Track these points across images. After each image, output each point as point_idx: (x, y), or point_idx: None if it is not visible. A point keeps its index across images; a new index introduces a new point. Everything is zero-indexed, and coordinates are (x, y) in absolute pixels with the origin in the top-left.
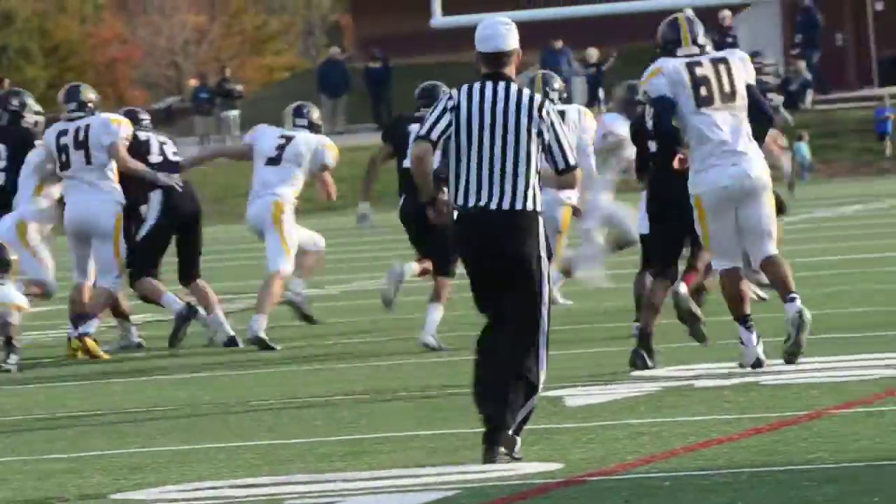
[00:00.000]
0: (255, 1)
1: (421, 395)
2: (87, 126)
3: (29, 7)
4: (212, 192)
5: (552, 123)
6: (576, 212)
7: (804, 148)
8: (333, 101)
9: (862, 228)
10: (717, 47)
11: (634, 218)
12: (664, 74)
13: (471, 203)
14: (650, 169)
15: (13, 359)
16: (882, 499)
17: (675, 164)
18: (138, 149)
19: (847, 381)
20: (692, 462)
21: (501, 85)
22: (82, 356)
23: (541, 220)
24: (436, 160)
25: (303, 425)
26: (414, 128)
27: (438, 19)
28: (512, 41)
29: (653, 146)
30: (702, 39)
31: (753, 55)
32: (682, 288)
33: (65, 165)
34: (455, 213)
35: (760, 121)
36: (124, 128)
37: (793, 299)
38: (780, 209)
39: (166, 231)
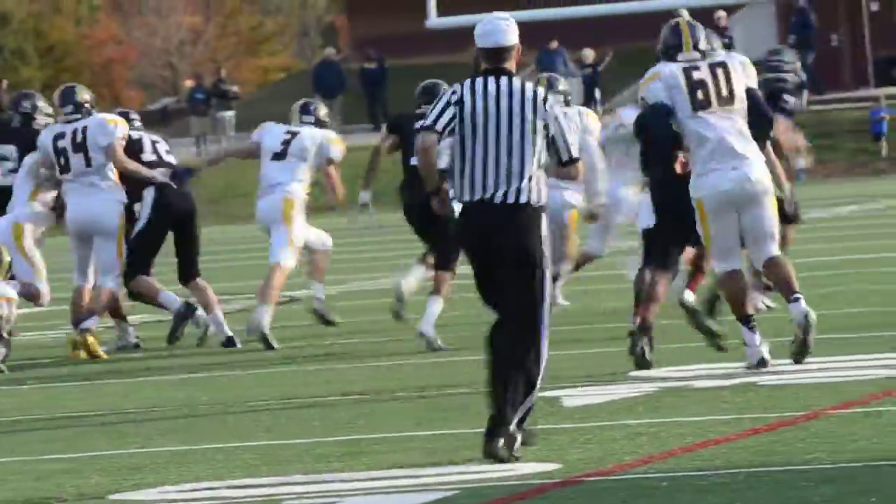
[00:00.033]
0: (251, 1)
1: (419, 396)
2: (84, 128)
3: (24, 8)
4: (209, 193)
5: (555, 116)
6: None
7: None
8: (329, 101)
9: (857, 229)
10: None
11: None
12: (661, 79)
13: (474, 196)
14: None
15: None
16: (879, 499)
17: (677, 167)
18: (131, 147)
19: (844, 381)
20: (690, 462)
21: (504, 80)
22: (84, 355)
23: (543, 214)
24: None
25: (301, 426)
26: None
27: (434, 20)
28: (512, 37)
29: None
30: (703, 45)
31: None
32: (689, 296)
33: (64, 169)
34: (457, 206)
35: (760, 124)
36: (121, 128)
37: (797, 300)
38: (794, 218)
39: (160, 229)
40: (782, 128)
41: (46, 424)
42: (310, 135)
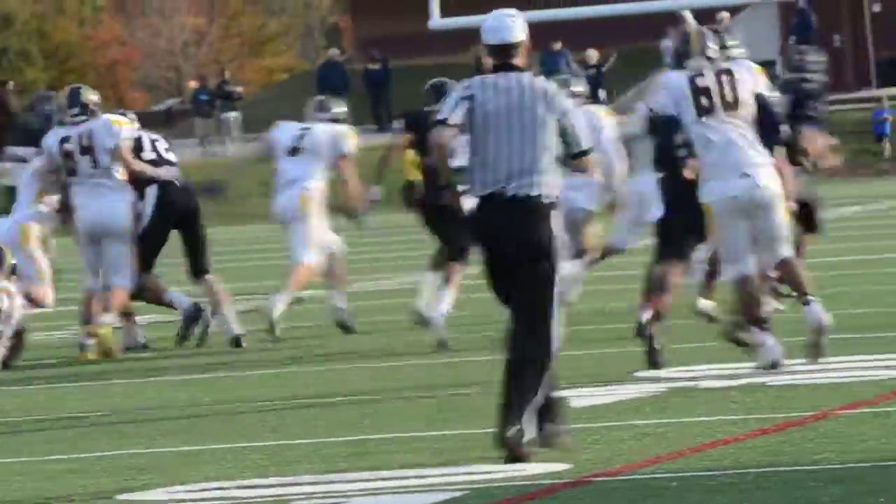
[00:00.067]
0: (254, 2)
1: (427, 396)
2: (90, 130)
3: (28, 9)
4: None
5: (566, 109)
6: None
7: None
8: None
9: (861, 230)
10: None
11: None
12: (667, 89)
13: (486, 190)
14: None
15: None
16: (888, 499)
17: (688, 173)
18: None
19: (852, 381)
20: (698, 463)
21: (513, 75)
22: (92, 355)
23: (556, 208)
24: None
25: (307, 426)
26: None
27: (436, 21)
28: (518, 33)
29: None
30: (712, 52)
31: (798, 52)
32: (703, 304)
33: (72, 171)
34: (468, 200)
35: (770, 133)
36: (126, 129)
37: (811, 303)
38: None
39: (163, 227)
40: (810, 137)
41: (52, 425)
42: (323, 130)
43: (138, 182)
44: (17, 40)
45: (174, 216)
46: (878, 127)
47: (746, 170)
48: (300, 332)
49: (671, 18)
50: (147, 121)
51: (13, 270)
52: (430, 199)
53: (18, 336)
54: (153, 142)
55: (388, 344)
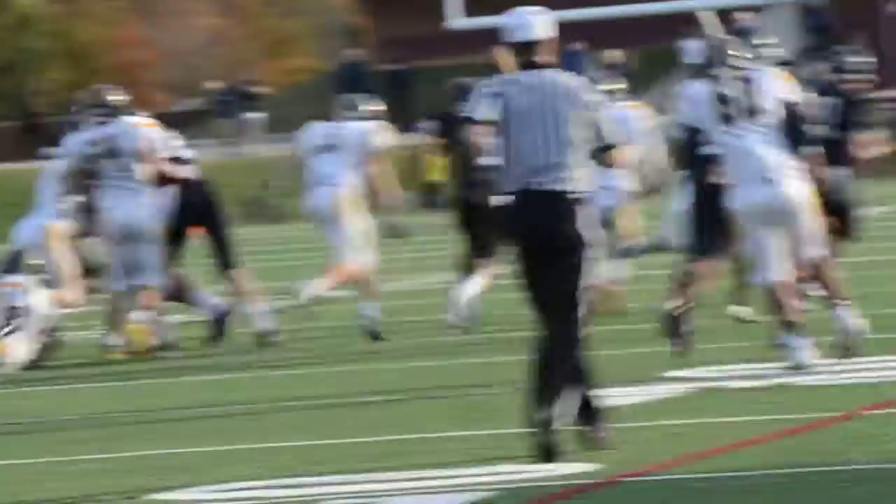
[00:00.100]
0: (275, 3)
1: (455, 396)
2: (114, 133)
3: (49, 9)
4: (238, 193)
5: (593, 104)
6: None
7: None
8: None
9: (887, 230)
10: None
11: None
12: (689, 99)
13: (516, 187)
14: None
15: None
16: None
17: (714, 178)
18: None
19: (880, 382)
20: (727, 463)
21: (540, 72)
22: (120, 355)
23: (586, 203)
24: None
25: (335, 426)
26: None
27: (453, 21)
28: (541, 30)
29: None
30: (737, 61)
31: (836, 52)
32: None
33: (97, 174)
34: (499, 197)
35: (797, 136)
36: (148, 130)
37: (840, 307)
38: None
39: (181, 224)
40: (862, 142)
41: (83, 425)
42: (352, 127)
43: (161, 181)
44: (39, 41)
45: (192, 213)
46: None
47: (770, 176)
48: (327, 332)
49: (691, 19)
50: (168, 121)
51: (38, 270)
52: (463, 198)
53: (51, 336)
54: (170, 140)
55: (415, 344)
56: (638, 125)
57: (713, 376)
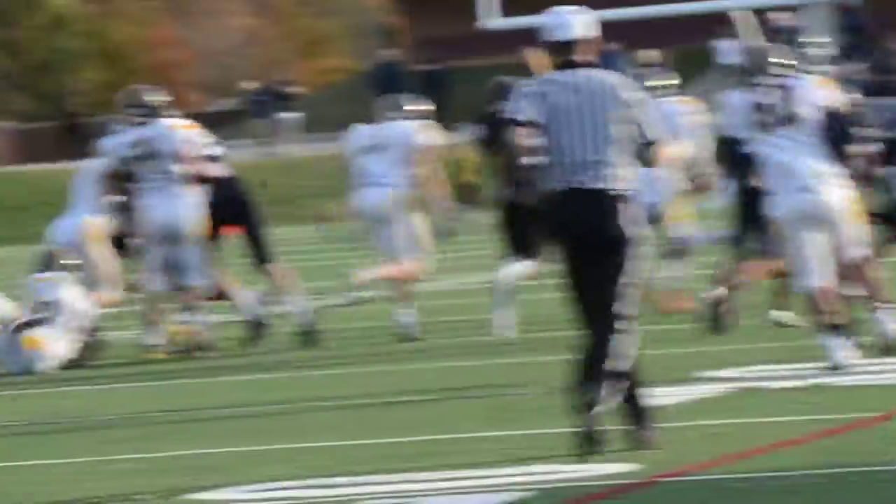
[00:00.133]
0: (309, 3)
1: (490, 396)
2: (152, 134)
3: (83, 10)
4: (275, 193)
5: (634, 101)
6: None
7: None
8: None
9: None
10: None
11: None
12: (728, 108)
13: (559, 185)
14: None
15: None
16: None
17: (754, 182)
18: None
19: None
20: (766, 463)
21: (579, 71)
22: (163, 355)
23: (629, 201)
24: None
25: (371, 426)
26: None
27: (490, 20)
28: (580, 29)
29: None
30: (778, 69)
31: (884, 53)
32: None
33: (135, 176)
34: (541, 196)
35: (837, 142)
36: (185, 131)
37: (879, 310)
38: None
39: (216, 222)
40: None
41: (120, 424)
42: (396, 126)
43: (198, 181)
44: (73, 41)
45: (224, 211)
46: None
47: (809, 183)
48: (362, 333)
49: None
50: (203, 121)
51: (75, 269)
52: (507, 198)
53: (92, 335)
54: (201, 139)
55: (451, 344)
56: (687, 121)
57: (752, 376)
